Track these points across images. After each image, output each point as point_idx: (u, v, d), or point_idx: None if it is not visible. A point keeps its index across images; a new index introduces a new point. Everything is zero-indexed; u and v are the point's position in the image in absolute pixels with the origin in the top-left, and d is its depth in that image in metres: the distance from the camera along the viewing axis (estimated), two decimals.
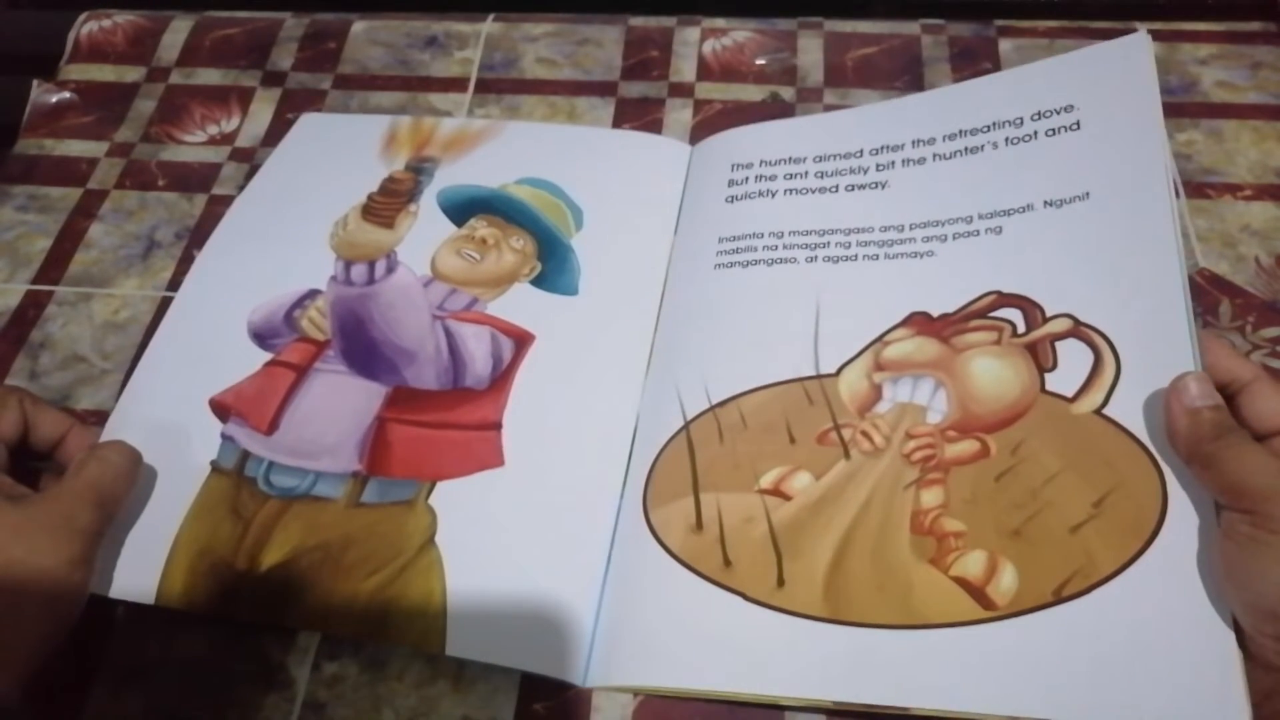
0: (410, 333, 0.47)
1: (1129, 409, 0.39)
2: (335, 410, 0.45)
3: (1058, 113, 0.48)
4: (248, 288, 0.50)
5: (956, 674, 0.35)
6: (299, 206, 0.53)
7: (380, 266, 0.49)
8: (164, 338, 0.49)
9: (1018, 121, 0.49)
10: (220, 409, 0.46)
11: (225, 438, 0.45)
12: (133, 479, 0.42)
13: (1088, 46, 0.50)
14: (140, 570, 0.41)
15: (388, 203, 0.52)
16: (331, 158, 0.56)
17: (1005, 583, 0.36)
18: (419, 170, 0.54)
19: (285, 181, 0.55)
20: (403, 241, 0.51)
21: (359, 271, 0.49)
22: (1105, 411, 0.39)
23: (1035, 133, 0.48)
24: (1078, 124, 0.47)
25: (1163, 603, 0.35)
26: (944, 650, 0.36)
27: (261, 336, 0.48)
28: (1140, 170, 0.44)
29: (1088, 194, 0.45)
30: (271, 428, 0.45)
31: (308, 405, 0.46)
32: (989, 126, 0.49)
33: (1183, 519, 0.36)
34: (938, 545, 0.38)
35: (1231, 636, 0.34)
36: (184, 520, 0.43)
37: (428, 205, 0.53)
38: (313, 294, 0.49)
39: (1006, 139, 0.49)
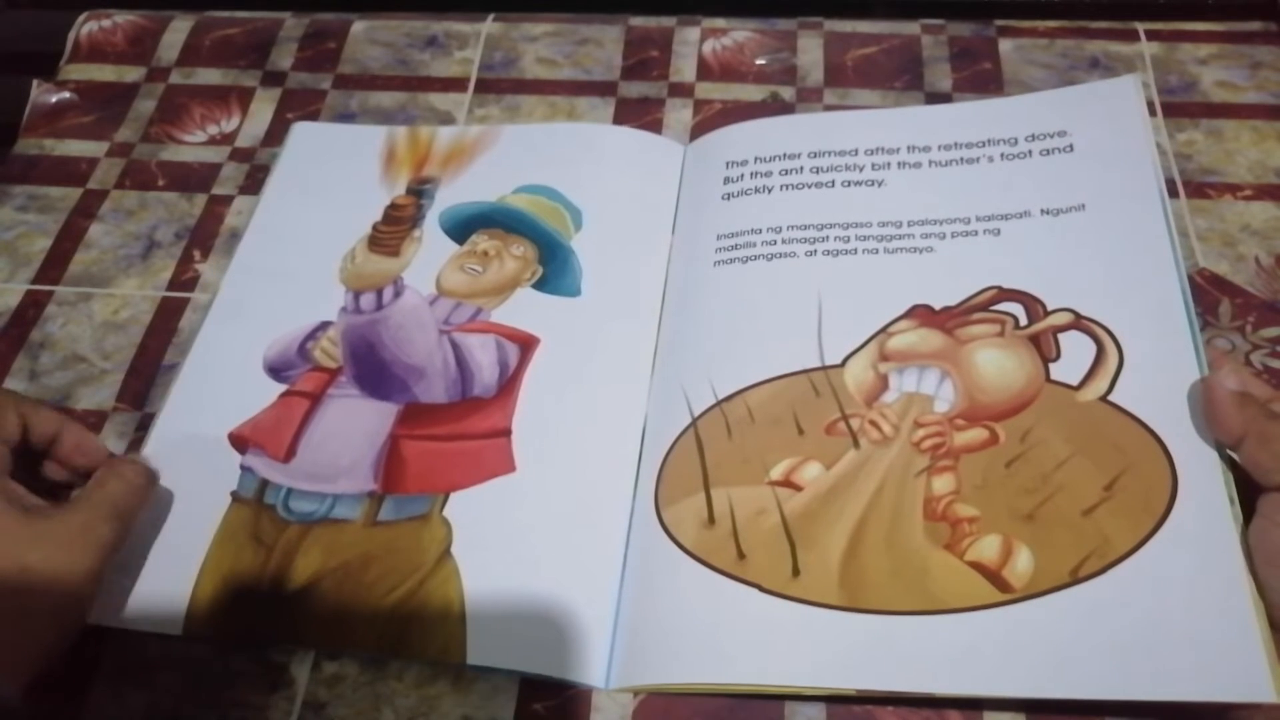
0: (419, 351, 0.48)
1: (1134, 395, 0.40)
2: (349, 433, 0.46)
3: (1051, 136, 0.49)
4: (262, 327, 0.50)
5: (977, 657, 0.35)
6: (306, 241, 0.53)
7: (388, 293, 0.50)
8: (186, 379, 0.49)
9: (1012, 140, 0.49)
10: (238, 441, 0.46)
11: (244, 468, 0.45)
12: (149, 496, 0.42)
13: (1080, 85, 0.52)
14: (165, 603, 0.41)
15: (393, 231, 0.52)
16: (333, 184, 0.55)
17: (1021, 565, 0.37)
18: (420, 193, 0.54)
19: (290, 212, 0.55)
20: (409, 266, 0.51)
21: (368, 300, 0.50)
22: (1110, 398, 0.40)
23: (1030, 151, 0.49)
24: (1071, 146, 0.48)
25: (1180, 578, 0.35)
26: (963, 634, 0.36)
27: (276, 370, 0.48)
28: (1134, 186, 0.45)
29: (1083, 205, 0.46)
30: (289, 455, 0.45)
31: (323, 430, 0.46)
32: (984, 142, 0.50)
33: (1194, 497, 0.37)
34: (951, 531, 0.38)
35: (1250, 606, 0.34)
36: (208, 551, 0.43)
37: (430, 227, 0.53)
38: (324, 325, 0.49)
39: (1001, 154, 0.49)
